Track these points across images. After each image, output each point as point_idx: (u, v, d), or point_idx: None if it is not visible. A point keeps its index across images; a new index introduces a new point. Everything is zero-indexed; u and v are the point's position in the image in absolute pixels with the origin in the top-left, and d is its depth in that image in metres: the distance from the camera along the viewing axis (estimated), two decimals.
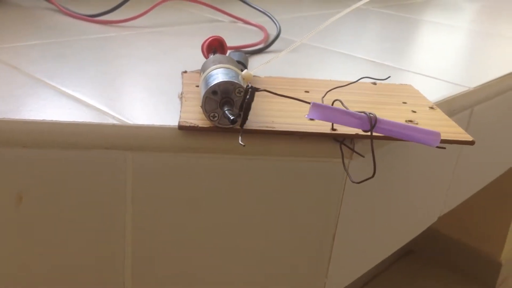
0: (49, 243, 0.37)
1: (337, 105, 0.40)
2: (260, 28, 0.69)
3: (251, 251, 0.40)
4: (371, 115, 0.36)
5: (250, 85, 0.33)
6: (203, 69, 0.40)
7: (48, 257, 0.38)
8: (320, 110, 0.34)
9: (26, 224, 0.36)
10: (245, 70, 0.39)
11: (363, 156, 0.37)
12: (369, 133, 0.35)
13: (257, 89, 0.33)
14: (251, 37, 0.65)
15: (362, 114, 0.36)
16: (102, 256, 0.38)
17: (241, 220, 0.39)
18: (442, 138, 0.38)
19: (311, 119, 0.38)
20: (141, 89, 0.43)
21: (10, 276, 0.38)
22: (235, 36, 0.65)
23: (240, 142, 0.33)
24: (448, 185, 0.56)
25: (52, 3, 0.69)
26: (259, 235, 0.40)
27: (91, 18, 0.65)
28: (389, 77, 0.53)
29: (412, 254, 1.31)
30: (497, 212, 1.18)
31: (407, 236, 0.54)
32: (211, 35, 0.47)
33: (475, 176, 0.63)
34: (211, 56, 0.42)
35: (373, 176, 0.35)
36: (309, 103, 0.34)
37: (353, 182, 0.36)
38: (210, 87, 0.35)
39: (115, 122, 0.36)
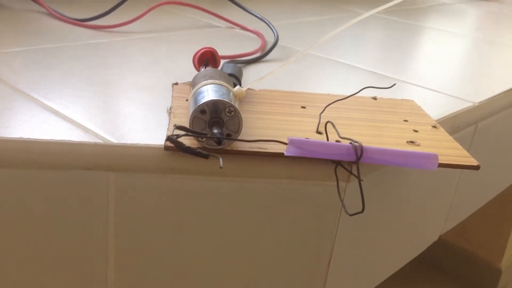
0: (24, 271, 0.35)
1: (329, 127, 0.38)
2: (258, 34, 0.67)
3: (239, 278, 0.38)
4: (356, 144, 0.33)
5: None
6: (193, 84, 0.37)
7: (23, 286, 0.35)
8: (298, 146, 0.32)
9: None
10: (237, 87, 0.37)
11: (362, 180, 0.35)
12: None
13: None
14: (248, 44, 0.62)
15: (347, 144, 0.33)
16: (83, 283, 0.36)
17: (228, 246, 0.37)
18: (444, 162, 0.36)
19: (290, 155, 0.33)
20: (129, 103, 0.41)
21: None
22: (232, 43, 0.63)
23: (220, 164, 0.30)
24: (450, 205, 0.53)
25: (42, 5, 0.67)
26: (247, 262, 0.38)
27: (81, 22, 0.62)
28: (394, 84, 0.51)
29: (410, 260, 1.30)
30: (497, 219, 1.16)
31: (406, 258, 0.51)
32: (203, 46, 0.45)
33: (478, 193, 0.61)
34: (202, 70, 0.39)
35: (362, 211, 0.33)
36: (285, 143, 0.32)
37: (347, 214, 0.33)
38: (199, 105, 0.33)
39: (97, 140, 0.34)
